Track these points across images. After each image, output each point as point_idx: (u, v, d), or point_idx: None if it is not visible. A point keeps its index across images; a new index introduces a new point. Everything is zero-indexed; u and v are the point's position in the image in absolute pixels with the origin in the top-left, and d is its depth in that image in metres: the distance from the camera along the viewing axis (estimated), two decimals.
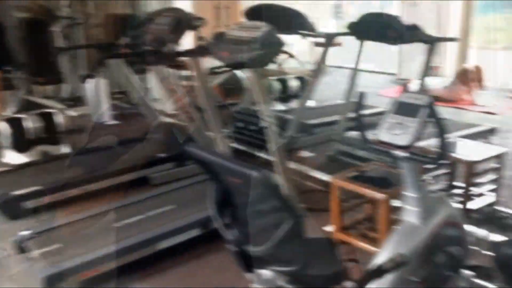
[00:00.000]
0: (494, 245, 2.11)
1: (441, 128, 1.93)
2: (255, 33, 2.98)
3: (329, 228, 3.10)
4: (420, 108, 1.97)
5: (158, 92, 5.67)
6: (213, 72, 2.73)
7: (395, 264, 1.59)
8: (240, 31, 3.12)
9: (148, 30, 3.93)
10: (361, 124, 2.22)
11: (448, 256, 2.24)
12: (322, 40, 4.39)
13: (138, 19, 4.24)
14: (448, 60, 8.10)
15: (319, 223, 3.24)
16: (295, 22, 4.29)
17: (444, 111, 5.93)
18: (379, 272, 1.57)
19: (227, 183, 1.63)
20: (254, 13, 4.47)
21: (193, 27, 5.01)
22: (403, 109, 2.05)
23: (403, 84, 7.04)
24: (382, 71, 9.06)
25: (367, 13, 3.67)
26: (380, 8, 12.65)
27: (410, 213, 2.19)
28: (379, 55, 8.14)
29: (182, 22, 3.85)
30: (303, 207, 3.42)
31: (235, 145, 4.91)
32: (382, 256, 2.10)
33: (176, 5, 8.51)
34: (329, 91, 6.99)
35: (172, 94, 3.95)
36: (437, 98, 6.47)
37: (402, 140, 1.99)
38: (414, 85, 5.46)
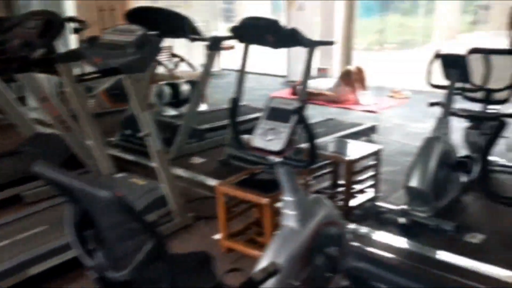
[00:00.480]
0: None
1: (310, 133, 1.95)
2: (129, 37, 2.83)
3: (217, 236, 3.04)
4: (290, 114, 1.97)
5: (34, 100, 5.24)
6: (81, 79, 2.53)
7: (267, 274, 1.56)
8: (114, 35, 2.95)
9: (15, 34, 3.59)
10: (236, 130, 2.19)
11: (328, 257, 2.28)
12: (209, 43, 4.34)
13: (7, 23, 3.86)
14: (335, 62, 8.49)
15: (209, 232, 3.17)
16: (179, 26, 4.18)
17: (331, 111, 6.26)
18: (250, 284, 1.53)
19: (85, 205, 1.48)
20: (135, 16, 4.28)
21: (74, 30, 4.70)
22: (275, 114, 2.05)
23: (293, 86, 7.25)
24: (274, 73, 9.25)
25: (246, 17, 3.65)
26: (272, 11, 13.01)
27: (289, 217, 2.19)
28: (274, 57, 8.32)
29: (53, 25, 3.57)
30: (192, 215, 3.34)
31: (122, 154, 4.69)
32: (263, 262, 2.08)
33: (60, 6, 8.00)
34: (223, 95, 6.99)
35: (46, 103, 3.64)
36: (325, 98, 6.80)
37: (275, 146, 1.98)
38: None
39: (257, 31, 3.55)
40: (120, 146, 4.90)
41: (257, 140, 2.05)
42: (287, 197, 2.15)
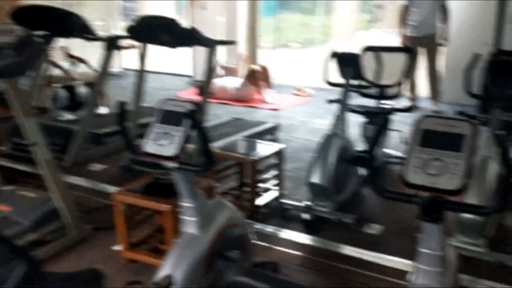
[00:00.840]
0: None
1: (204, 136, 1.88)
2: (7, 38, 2.58)
3: (118, 247, 2.88)
4: (183, 117, 1.89)
5: None
6: None
7: None
8: None
9: None
10: (127, 135, 2.06)
11: (230, 261, 2.23)
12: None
13: None
14: (241, 61, 8.51)
15: (109, 243, 2.99)
16: (69, 25, 3.93)
17: (238, 111, 6.26)
18: None
19: None
20: (22, 16, 3.95)
21: None
22: (168, 118, 1.96)
23: (199, 85, 7.15)
24: (181, 72, 9.10)
25: (143, 16, 3.54)
26: (177, 11, 12.79)
27: (188, 224, 2.12)
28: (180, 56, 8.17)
29: None
30: (91, 227, 3.14)
31: (13, 164, 4.31)
32: (161, 272, 1.99)
33: None
34: (126, 96, 6.73)
35: None
36: (232, 97, 6.79)
37: (169, 151, 1.89)
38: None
39: (153, 30, 3.43)
40: (11, 155, 4.50)
41: (150, 145, 1.94)
42: (186, 203, 2.07)
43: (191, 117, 1.85)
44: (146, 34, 3.47)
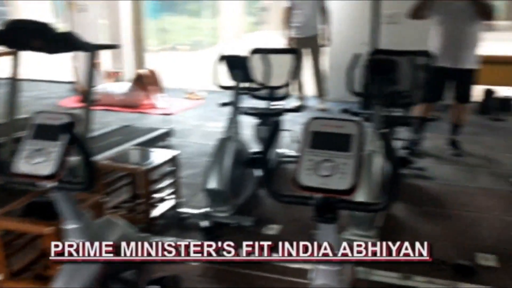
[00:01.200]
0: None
1: (85, 150, 1.71)
2: None
3: None
4: (59, 130, 1.71)
5: None
6: None
7: None
8: None
9: None
10: None
11: (125, 282, 2.09)
12: None
13: None
14: (127, 65, 8.19)
15: None
16: None
17: (127, 117, 6.00)
18: None
19: None
20: None
21: None
22: (43, 132, 1.76)
23: (82, 92, 6.73)
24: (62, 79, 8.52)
25: (12, 20, 3.19)
26: (55, 13, 11.99)
27: None
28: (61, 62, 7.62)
29: None
30: None
31: None
32: None
33: None
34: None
35: None
36: (119, 103, 6.49)
37: (44, 169, 1.70)
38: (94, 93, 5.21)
39: (23, 35, 3.11)
40: None
41: (22, 164, 1.73)
42: (69, 225, 1.88)
43: (68, 131, 1.68)
44: (16, 40, 3.13)
